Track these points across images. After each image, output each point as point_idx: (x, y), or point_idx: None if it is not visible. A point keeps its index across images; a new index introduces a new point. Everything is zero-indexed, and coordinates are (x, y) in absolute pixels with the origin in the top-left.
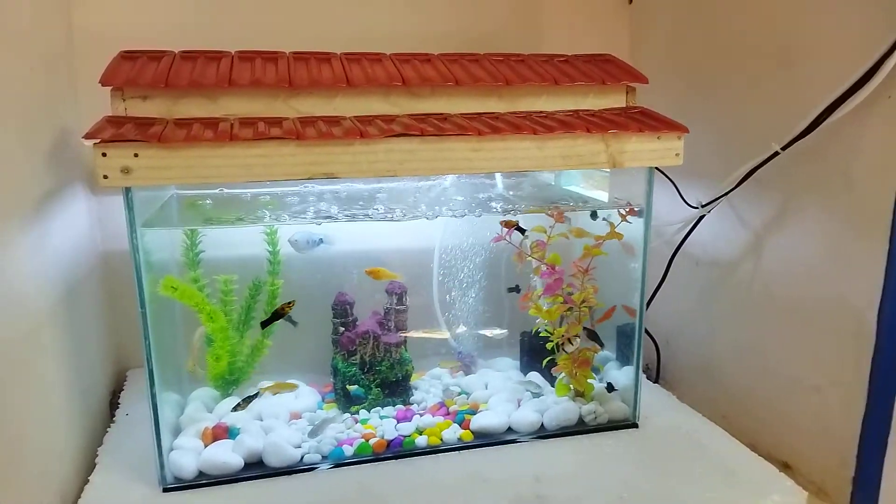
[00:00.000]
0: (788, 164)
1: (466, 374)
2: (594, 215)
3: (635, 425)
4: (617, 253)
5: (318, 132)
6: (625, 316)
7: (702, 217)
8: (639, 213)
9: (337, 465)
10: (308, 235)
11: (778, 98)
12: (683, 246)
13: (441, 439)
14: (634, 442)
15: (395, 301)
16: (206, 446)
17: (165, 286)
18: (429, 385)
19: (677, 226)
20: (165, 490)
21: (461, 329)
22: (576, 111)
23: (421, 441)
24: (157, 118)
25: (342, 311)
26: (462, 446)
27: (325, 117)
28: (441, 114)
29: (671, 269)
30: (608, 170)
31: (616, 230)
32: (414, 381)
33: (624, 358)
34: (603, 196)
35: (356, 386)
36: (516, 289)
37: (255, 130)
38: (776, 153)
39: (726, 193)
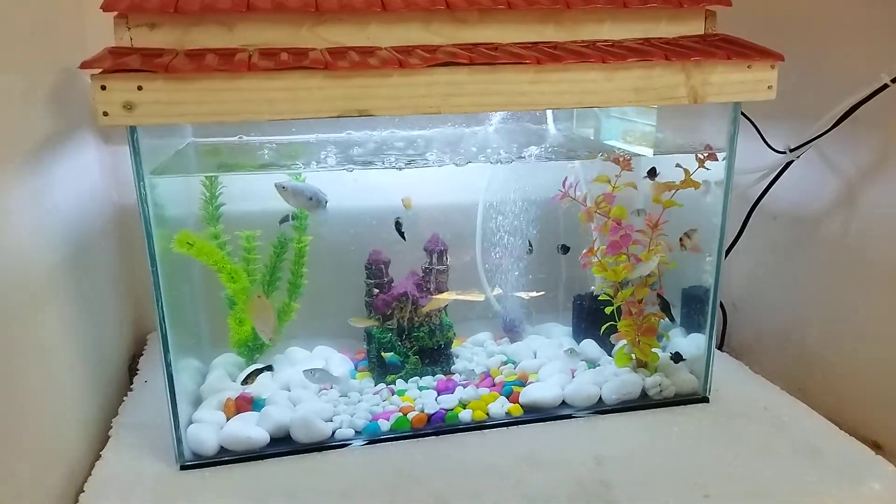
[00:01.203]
0: None
1: (512, 341)
2: (653, 173)
3: (706, 399)
4: (692, 204)
5: (351, 62)
6: (692, 277)
7: (789, 164)
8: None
9: (372, 442)
10: (304, 188)
11: (889, 19)
12: (767, 205)
13: (487, 414)
14: (706, 418)
15: (434, 260)
16: (228, 419)
17: (180, 242)
18: (471, 353)
19: (757, 174)
20: (183, 468)
21: (497, 291)
22: (646, 39)
23: (465, 415)
24: (165, 49)
25: (377, 271)
26: (511, 421)
27: (358, 48)
28: (491, 43)
29: (752, 226)
30: (682, 106)
31: (692, 178)
32: (454, 347)
33: (691, 324)
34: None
35: (392, 353)
36: (565, 248)
37: (278, 60)
38: (885, 86)
39: (823, 133)
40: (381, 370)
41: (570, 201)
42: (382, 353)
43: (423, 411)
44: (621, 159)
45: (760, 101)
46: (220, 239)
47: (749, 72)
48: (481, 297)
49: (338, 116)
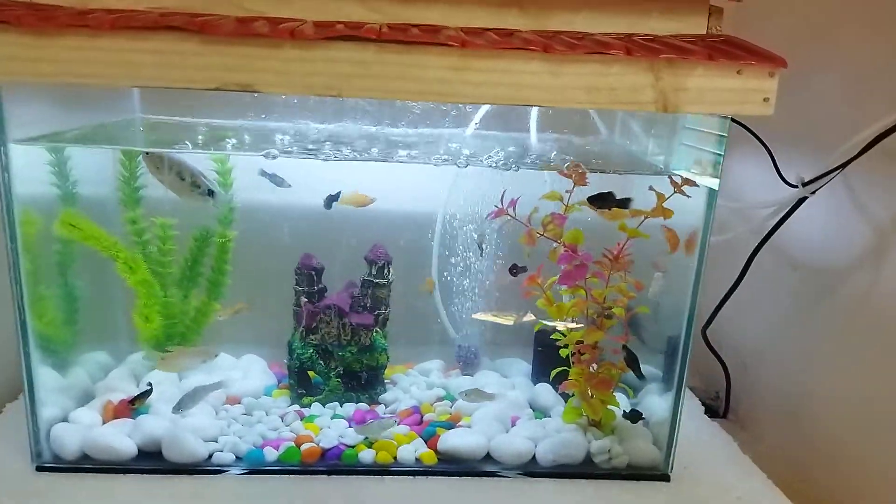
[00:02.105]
0: None
1: (463, 373)
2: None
3: (666, 477)
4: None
5: (233, 27)
6: (679, 324)
7: (802, 200)
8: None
9: (251, 472)
10: (180, 163)
11: None
12: (779, 243)
13: (394, 457)
14: (659, 501)
15: (373, 272)
16: (103, 423)
17: (63, 223)
18: (412, 381)
19: (770, 209)
20: (39, 469)
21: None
22: (628, 35)
23: (366, 456)
24: (62, 6)
25: (307, 277)
26: (419, 470)
27: (277, 18)
28: (433, 25)
29: (760, 271)
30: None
31: (664, 206)
32: (393, 374)
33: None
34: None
35: (315, 374)
36: (520, 269)
37: (146, 17)
38: None
39: (841, 167)
40: (301, 390)
41: (508, 220)
42: (310, 373)
43: (318, 445)
44: (574, 173)
45: (755, 114)
46: (137, 224)
47: (739, 78)
48: (509, 321)
49: (215, 89)
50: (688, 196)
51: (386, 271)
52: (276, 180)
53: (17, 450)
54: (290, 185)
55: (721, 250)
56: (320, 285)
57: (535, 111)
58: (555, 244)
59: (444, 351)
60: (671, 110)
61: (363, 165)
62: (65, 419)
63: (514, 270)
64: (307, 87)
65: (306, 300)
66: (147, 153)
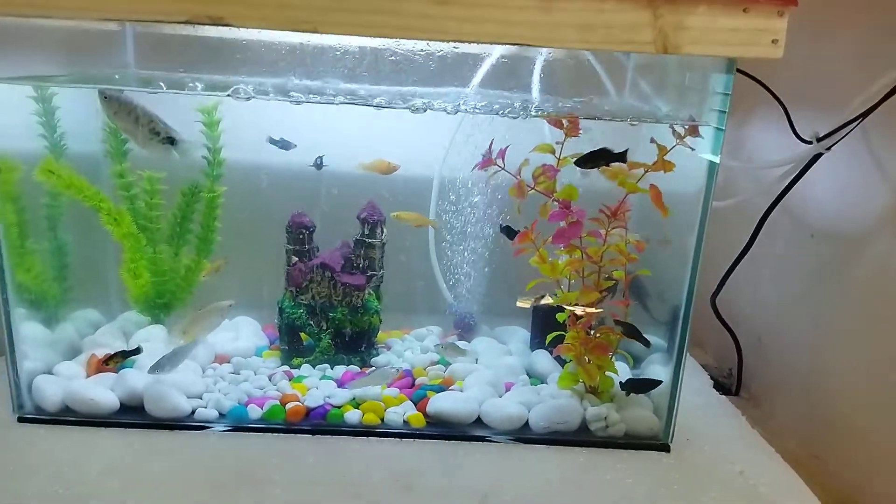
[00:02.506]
0: None
1: (461, 339)
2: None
3: (665, 447)
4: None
5: None
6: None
7: (817, 157)
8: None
9: (235, 429)
10: (137, 106)
11: None
12: (793, 206)
13: (382, 419)
14: (657, 471)
15: (365, 231)
16: (87, 377)
17: (42, 170)
18: (406, 346)
19: (783, 168)
20: (21, 420)
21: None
22: None
23: (352, 417)
24: None
25: (297, 236)
26: (407, 432)
27: None
28: None
29: (773, 237)
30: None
31: (666, 158)
32: (388, 338)
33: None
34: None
35: (306, 335)
36: (509, 231)
37: None
38: None
39: (859, 118)
40: (291, 350)
41: (496, 172)
42: (302, 335)
43: (303, 404)
44: (565, 122)
45: (762, 56)
46: (124, 178)
47: (745, 17)
48: (525, 305)
49: (185, 22)
50: (691, 148)
51: (379, 231)
52: (284, 144)
53: (1, 402)
54: (296, 146)
55: (730, 214)
56: (312, 244)
57: (536, 72)
58: (547, 200)
59: (444, 319)
60: (671, 51)
61: (360, 125)
62: (49, 373)
63: (507, 233)
64: (281, 21)
65: (297, 259)
66: (105, 96)
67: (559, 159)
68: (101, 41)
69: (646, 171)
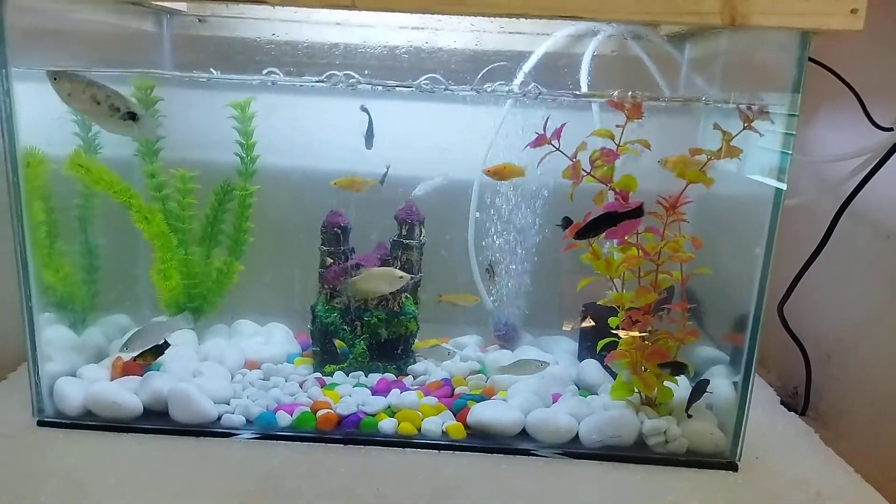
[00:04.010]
0: None
1: (502, 349)
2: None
3: (733, 466)
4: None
5: None
6: (748, 299)
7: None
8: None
9: (263, 437)
10: (93, 82)
11: None
12: (865, 205)
13: (418, 429)
14: (725, 492)
15: (403, 232)
16: (111, 380)
17: (72, 163)
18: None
19: (856, 161)
20: (41, 424)
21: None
22: None
23: (386, 426)
24: None
25: (332, 236)
26: (446, 444)
27: None
28: None
29: (845, 242)
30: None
31: (731, 144)
32: (425, 346)
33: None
34: None
35: (341, 342)
36: (566, 221)
37: None
38: None
39: None
40: (324, 357)
41: (550, 153)
42: (336, 342)
43: (334, 411)
44: (627, 104)
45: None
46: (156, 178)
47: None
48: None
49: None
50: (760, 134)
51: (417, 232)
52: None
53: (23, 404)
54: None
55: (796, 215)
56: (347, 245)
57: (584, 68)
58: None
59: (484, 329)
60: (739, 22)
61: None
62: (73, 376)
63: (564, 223)
64: None
65: (331, 261)
66: (55, 77)
67: (619, 145)
68: (138, 41)
69: (710, 159)
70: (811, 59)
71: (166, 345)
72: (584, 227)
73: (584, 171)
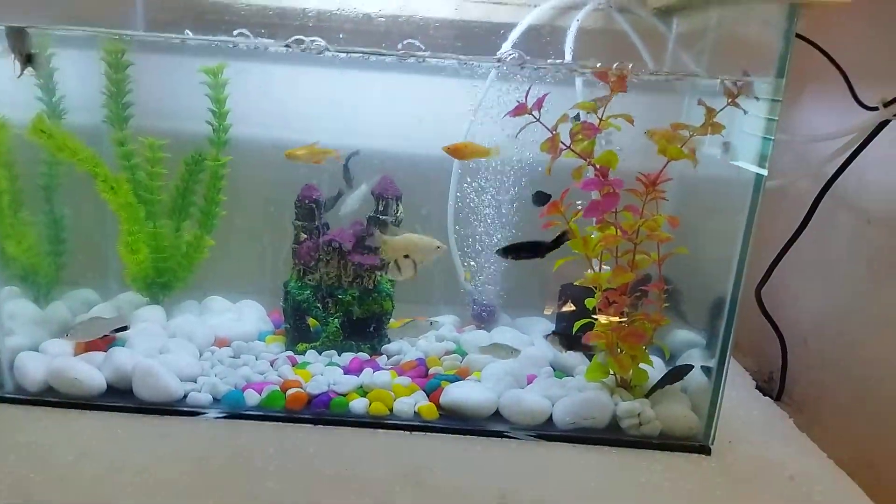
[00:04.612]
0: None
1: (478, 329)
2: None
3: (706, 450)
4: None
5: None
6: (728, 282)
7: (882, 125)
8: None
9: (230, 416)
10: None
11: None
12: (847, 187)
13: (390, 409)
14: (698, 476)
15: (379, 208)
16: (75, 355)
17: (34, 129)
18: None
19: (840, 141)
20: (2, 400)
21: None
22: None
23: (358, 406)
24: None
25: (307, 211)
26: (417, 425)
27: None
28: None
29: (825, 225)
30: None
31: (714, 121)
32: (400, 325)
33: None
34: None
35: (314, 319)
36: (542, 197)
37: None
38: None
39: None
40: (297, 335)
41: (531, 123)
42: (309, 320)
43: (304, 391)
44: (611, 76)
45: (829, 2)
46: (125, 146)
47: None
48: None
49: None
50: (744, 111)
51: (393, 208)
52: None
53: None
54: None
55: (776, 197)
56: (321, 220)
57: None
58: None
59: (460, 309)
60: None
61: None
62: (36, 350)
63: (538, 199)
64: None
65: (305, 236)
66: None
67: (601, 119)
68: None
69: (692, 135)
70: (798, 35)
71: (126, 327)
72: (505, 248)
73: (563, 144)
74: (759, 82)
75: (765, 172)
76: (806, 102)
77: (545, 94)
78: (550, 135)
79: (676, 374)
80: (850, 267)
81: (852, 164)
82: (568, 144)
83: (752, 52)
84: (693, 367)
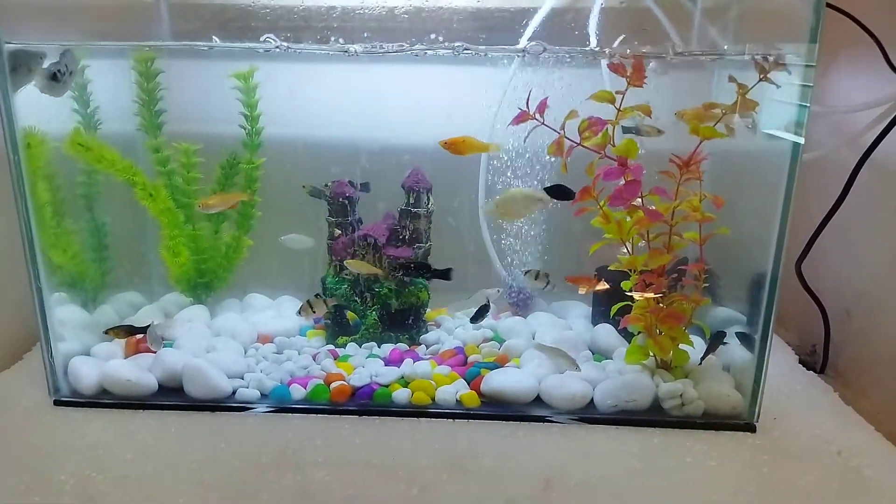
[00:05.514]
0: None
1: (516, 315)
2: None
3: (751, 427)
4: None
5: None
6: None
7: None
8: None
9: (277, 410)
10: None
11: None
12: (885, 156)
13: (432, 398)
14: (743, 454)
15: (410, 200)
16: (125, 358)
17: (72, 143)
18: (457, 324)
19: (876, 110)
20: (57, 403)
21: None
22: None
23: (400, 396)
24: None
25: (339, 207)
26: (459, 413)
27: None
28: None
29: (864, 195)
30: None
31: (748, 96)
32: (437, 316)
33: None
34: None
35: (352, 313)
36: (559, 190)
37: None
38: None
39: None
40: (337, 329)
41: (535, 127)
42: (349, 314)
43: (348, 383)
44: (626, 66)
45: None
46: (160, 153)
47: None
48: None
49: None
50: (777, 85)
51: (425, 200)
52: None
53: (38, 384)
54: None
55: (813, 169)
56: (354, 216)
57: (593, 20)
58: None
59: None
60: None
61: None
62: (87, 354)
63: (557, 193)
64: None
65: (339, 232)
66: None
67: (619, 110)
68: (136, 13)
69: (724, 113)
70: (828, 5)
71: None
72: (402, 264)
73: (571, 140)
74: (790, 53)
75: (801, 141)
76: (839, 72)
77: (547, 97)
78: (557, 136)
79: (717, 337)
80: (892, 236)
81: (892, 131)
82: (578, 142)
83: (781, 22)
84: (725, 332)
